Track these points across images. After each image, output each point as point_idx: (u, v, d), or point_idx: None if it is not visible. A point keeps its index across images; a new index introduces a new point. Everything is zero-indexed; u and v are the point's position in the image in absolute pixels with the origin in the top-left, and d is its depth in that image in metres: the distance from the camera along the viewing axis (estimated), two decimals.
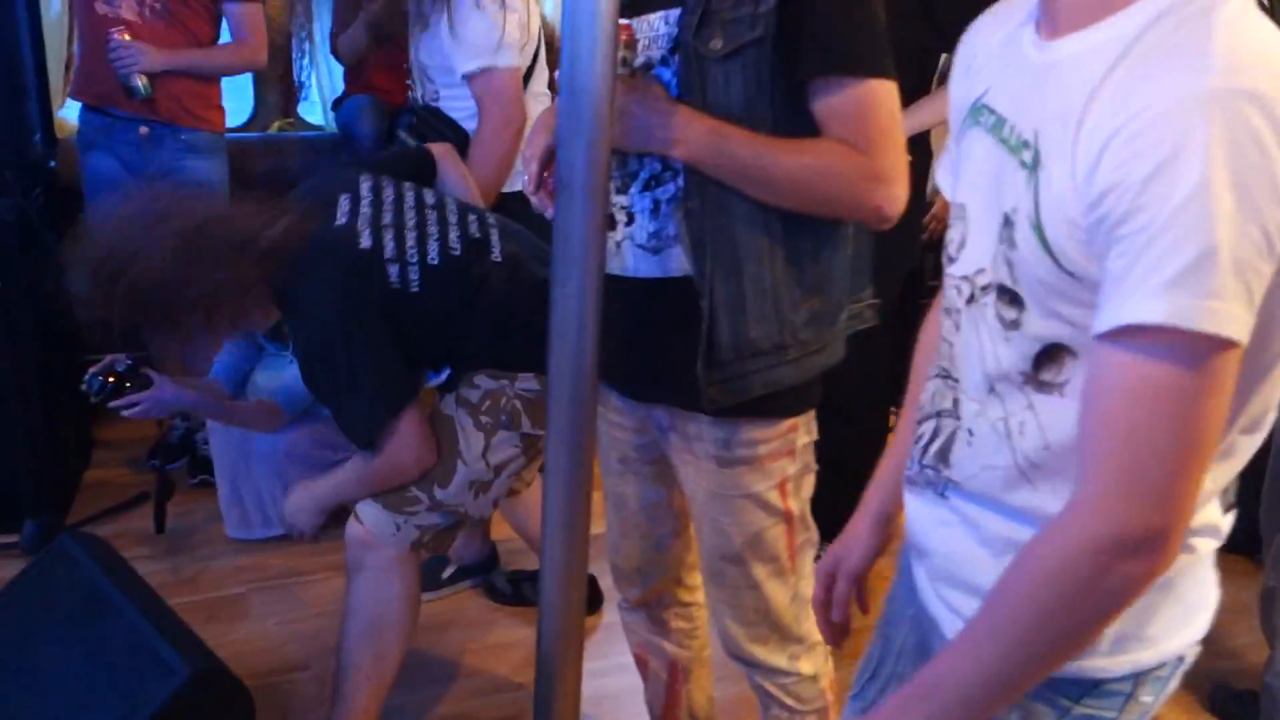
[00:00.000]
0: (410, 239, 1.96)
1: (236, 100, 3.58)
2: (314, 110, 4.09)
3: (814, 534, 1.65)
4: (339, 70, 3.74)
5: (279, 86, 3.89)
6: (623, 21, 1.32)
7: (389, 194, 2.04)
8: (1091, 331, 0.82)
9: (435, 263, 1.94)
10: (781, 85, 1.36)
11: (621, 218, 1.47)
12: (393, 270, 1.90)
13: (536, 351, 1.40)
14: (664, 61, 1.42)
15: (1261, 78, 0.76)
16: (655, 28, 1.43)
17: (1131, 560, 0.82)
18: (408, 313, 1.90)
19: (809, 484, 1.62)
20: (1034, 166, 0.88)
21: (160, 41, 2.96)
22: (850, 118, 1.35)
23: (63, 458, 3.16)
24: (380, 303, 1.88)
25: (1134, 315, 0.78)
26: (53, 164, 3.44)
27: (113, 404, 2.43)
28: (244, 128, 3.87)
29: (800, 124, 1.37)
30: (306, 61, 3.95)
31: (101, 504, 3.11)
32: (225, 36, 3.15)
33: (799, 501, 1.60)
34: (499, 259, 2.01)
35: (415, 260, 1.93)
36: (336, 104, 3.71)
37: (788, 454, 1.55)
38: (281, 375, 2.84)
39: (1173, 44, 0.81)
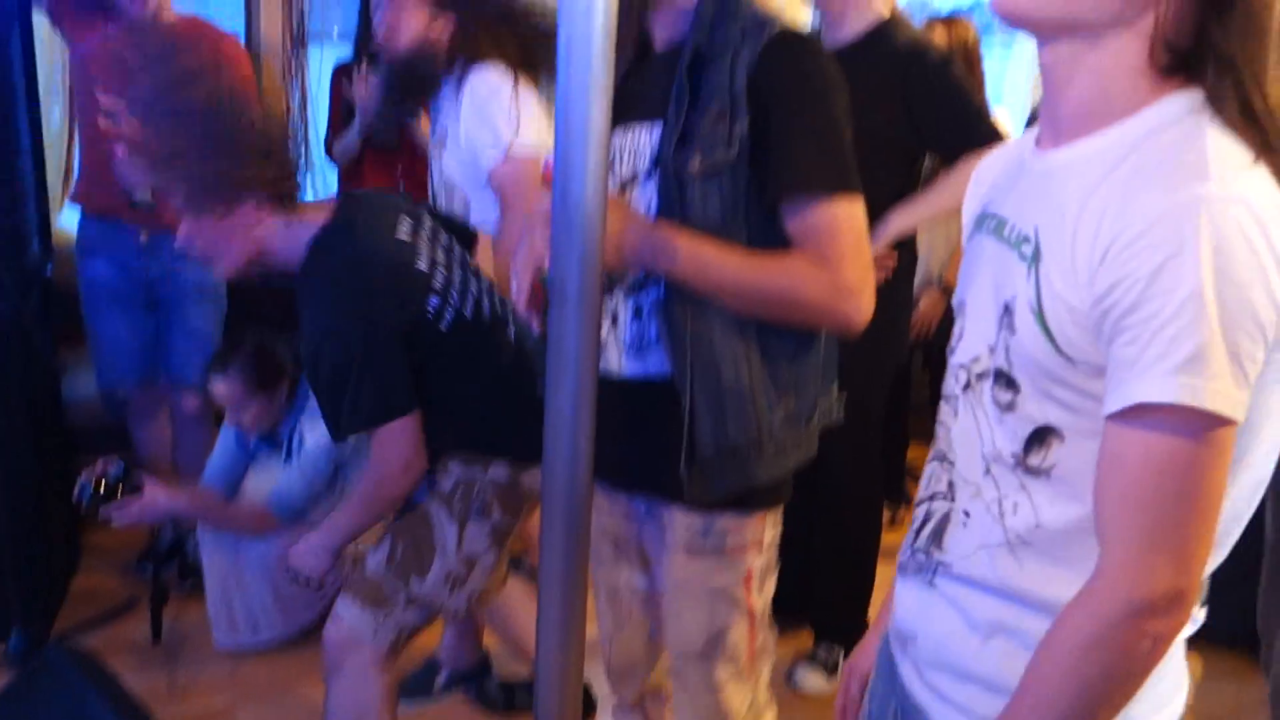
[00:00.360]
0: (456, 283, 2.06)
1: None
2: None
3: (771, 642, 1.72)
4: (333, 173, 3.81)
5: None
6: None
7: (444, 239, 2.15)
8: (1104, 411, 0.90)
9: (469, 316, 2.04)
10: (756, 202, 1.45)
11: (608, 320, 1.55)
12: (433, 301, 2.00)
13: (519, 440, 1.44)
14: (648, 174, 1.50)
15: (1245, 188, 0.87)
16: (639, 140, 1.52)
17: (1160, 619, 0.90)
18: (427, 347, 1.98)
19: (771, 584, 1.68)
20: (1034, 259, 0.97)
21: None
22: (817, 235, 1.44)
23: (51, 565, 3.13)
24: (411, 322, 1.96)
25: (1146, 395, 0.86)
26: (49, 272, 3.47)
27: (105, 511, 2.43)
28: None
29: (775, 237, 1.46)
30: (302, 164, 4.01)
31: (90, 612, 3.07)
32: None
33: (762, 599, 1.66)
34: (511, 340, 2.11)
35: (455, 303, 2.03)
36: None
37: (755, 547, 1.62)
38: (273, 480, 2.84)
39: (1170, 154, 0.90)
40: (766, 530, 1.63)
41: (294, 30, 3.81)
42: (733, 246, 1.45)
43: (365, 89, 3.33)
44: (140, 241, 3.10)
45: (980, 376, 1.04)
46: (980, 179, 1.19)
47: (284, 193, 2.00)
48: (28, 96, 3.21)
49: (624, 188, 1.54)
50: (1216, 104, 0.92)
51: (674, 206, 1.46)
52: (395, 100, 2.73)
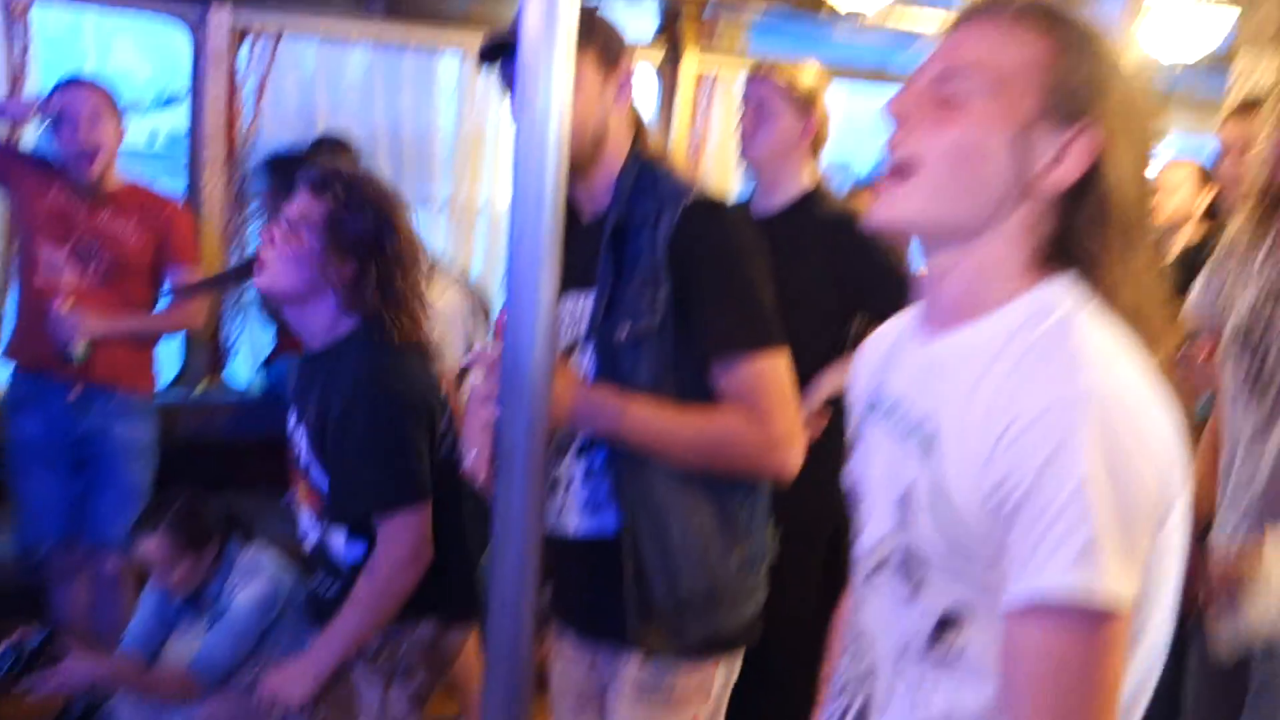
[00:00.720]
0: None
1: (164, 359, 3.61)
2: (238, 373, 4.13)
3: None
4: (268, 332, 3.82)
5: (207, 347, 3.93)
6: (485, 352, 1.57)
7: None
8: (1001, 608, 0.92)
9: (451, 449, 2.03)
10: (684, 363, 1.53)
11: (562, 483, 1.61)
12: (446, 417, 2.04)
13: (451, 597, 1.46)
14: (586, 340, 1.59)
15: (1118, 378, 0.92)
16: (576, 308, 1.61)
17: None
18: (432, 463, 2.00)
19: None
20: (929, 447, 1.00)
21: (101, 306, 3.01)
22: (744, 390, 1.52)
23: None
24: (432, 421, 2.00)
25: (1041, 593, 0.88)
26: None
27: (24, 681, 2.33)
28: (170, 387, 3.88)
29: (705, 393, 1.53)
30: (238, 322, 4.02)
31: None
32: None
33: None
34: (469, 497, 2.07)
35: (450, 429, 2.05)
36: (266, 362, 3.76)
37: (703, 695, 1.63)
38: (196, 644, 2.74)
39: (1041, 349, 0.95)
40: (718, 678, 1.64)
41: (235, 196, 3.88)
42: (666, 404, 1.51)
43: None
44: (71, 398, 3.06)
45: (880, 566, 1.07)
46: (866, 358, 1.22)
47: None
48: None
49: (567, 353, 1.61)
50: (1086, 291, 0.98)
51: (608, 371, 1.55)
52: None
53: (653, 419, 1.50)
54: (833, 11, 3.50)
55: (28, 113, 3.12)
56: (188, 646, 2.76)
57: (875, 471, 1.10)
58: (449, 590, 2.03)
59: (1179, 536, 0.94)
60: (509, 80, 1.48)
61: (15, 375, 3.16)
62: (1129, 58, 1.02)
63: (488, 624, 1.32)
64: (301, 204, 1.96)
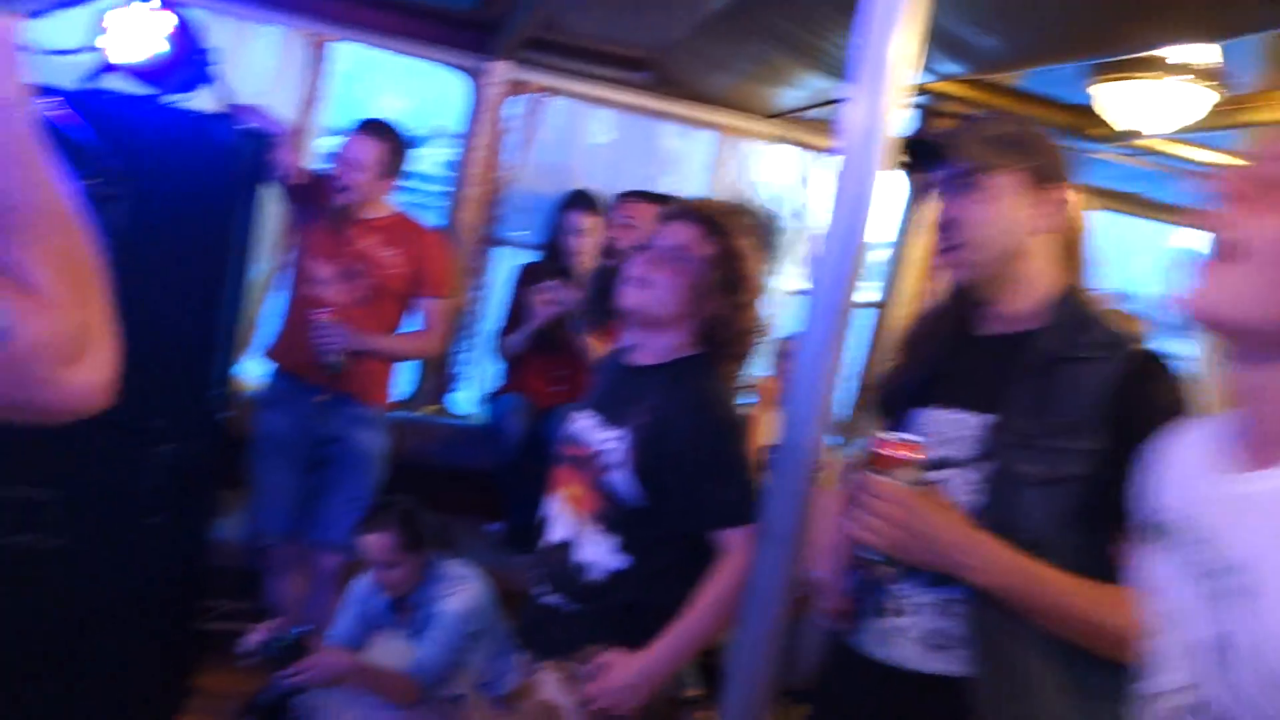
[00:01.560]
0: None
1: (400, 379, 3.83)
2: (463, 402, 4.32)
3: None
4: (494, 367, 4.00)
5: (435, 374, 4.15)
6: (909, 438, 1.42)
7: None
8: None
9: None
10: (1095, 525, 1.40)
11: (894, 607, 1.50)
12: None
13: None
14: (971, 466, 1.46)
15: None
16: (961, 427, 1.49)
17: None
18: None
19: None
20: (1246, 599, 0.89)
21: (359, 324, 3.25)
22: None
23: (159, 699, 3.18)
24: None
25: None
26: (223, 417, 3.67)
27: (283, 670, 2.51)
28: (401, 405, 4.11)
29: (1096, 561, 1.39)
30: (464, 357, 4.23)
31: None
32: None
33: None
34: None
35: None
36: (490, 398, 3.94)
37: None
38: (395, 649, 2.88)
39: None
40: None
41: (486, 232, 4.11)
42: (1053, 567, 1.38)
43: (545, 295, 3.56)
44: (316, 402, 3.29)
45: (1193, 710, 0.96)
46: (1158, 473, 1.10)
47: None
48: (242, 254, 3.50)
49: (932, 468, 1.48)
50: None
51: (1002, 507, 1.41)
52: (582, 309, 2.89)
53: (1047, 582, 1.37)
54: (1101, 135, 3.46)
55: (291, 133, 3.39)
56: (389, 648, 2.91)
57: (1168, 606, 1.01)
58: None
59: None
60: (922, 186, 1.43)
61: (274, 375, 3.42)
62: None
63: (726, 693, 1.36)
64: (682, 236, 2.06)
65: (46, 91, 2.75)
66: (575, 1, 3.59)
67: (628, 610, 1.99)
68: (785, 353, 3.55)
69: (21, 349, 0.93)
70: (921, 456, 1.41)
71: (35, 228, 0.97)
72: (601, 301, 2.78)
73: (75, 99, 2.79)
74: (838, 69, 3.34)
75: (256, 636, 2.58)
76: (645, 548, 1.99)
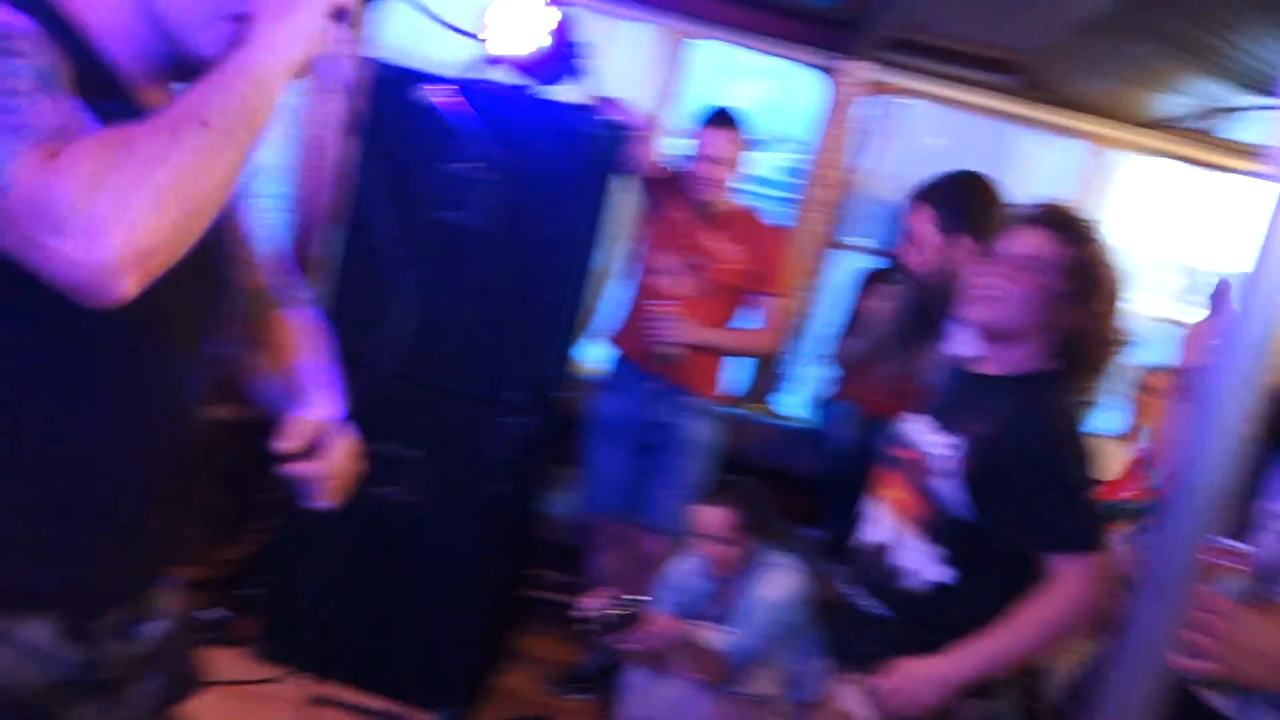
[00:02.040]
0: None
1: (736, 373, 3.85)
2: (790, 403, 4.30)
3: None
4: (827, 372, 3.94)
5: (766, 374, 4.15)
6: (1235, 546, 1.31)
7: None
8: None
9: None
10: None
11: None
12: None
13: None
14: None
15: None
16: None
17: None
18: None
19: None
20: None
21: (695, 317, 3.30)
22: None
23: (483, 656, 3.37)
24: None
25: None
26: (559, 395, 3.84)
27: (613, 637, 2.61)
28: (729, 401, 4.13)
29: None
30: (797, 357, 4.20)
31: (504, 713, 3.26)
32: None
33: None
34: None
35: None
36: (821, 403, 3.89)
37: None
38: (711, 629, 2.90)
39: None
40: None
41: (828, 234, 4.06)
42: None
43: (881, 303, 3.45)
44: (653, 389, 3.36)
45: None
46: None
47: None
48: (591, 241, 3.64)
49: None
50: None
51: None
52: (908, 322, 2.80)
53: None
54: None
55: (648, 127, 3.46)
56: (704, 631, 2.93)
57: None
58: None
59: None
60: None
61: (617, 361, 3.53)
62: None
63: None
64: (1034, 243, 1.95)
65: (438, 80, 2.97)
66: (944, 0, 3.45)
67: (946, 627, 1.90)
68: (1151, 385, 3.28)
69: (10, 203, 0.95)
70: (1247, 565, 1.29)
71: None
72: (929, 309, 2.66)
73: (461, 87, 2.99)
74: (1239, 74, 3.03)
75: (593, 602, 2.68)
76: (971, 563, 1.91)
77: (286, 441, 1.29)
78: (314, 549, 3.15)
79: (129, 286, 0.96)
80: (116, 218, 0.93)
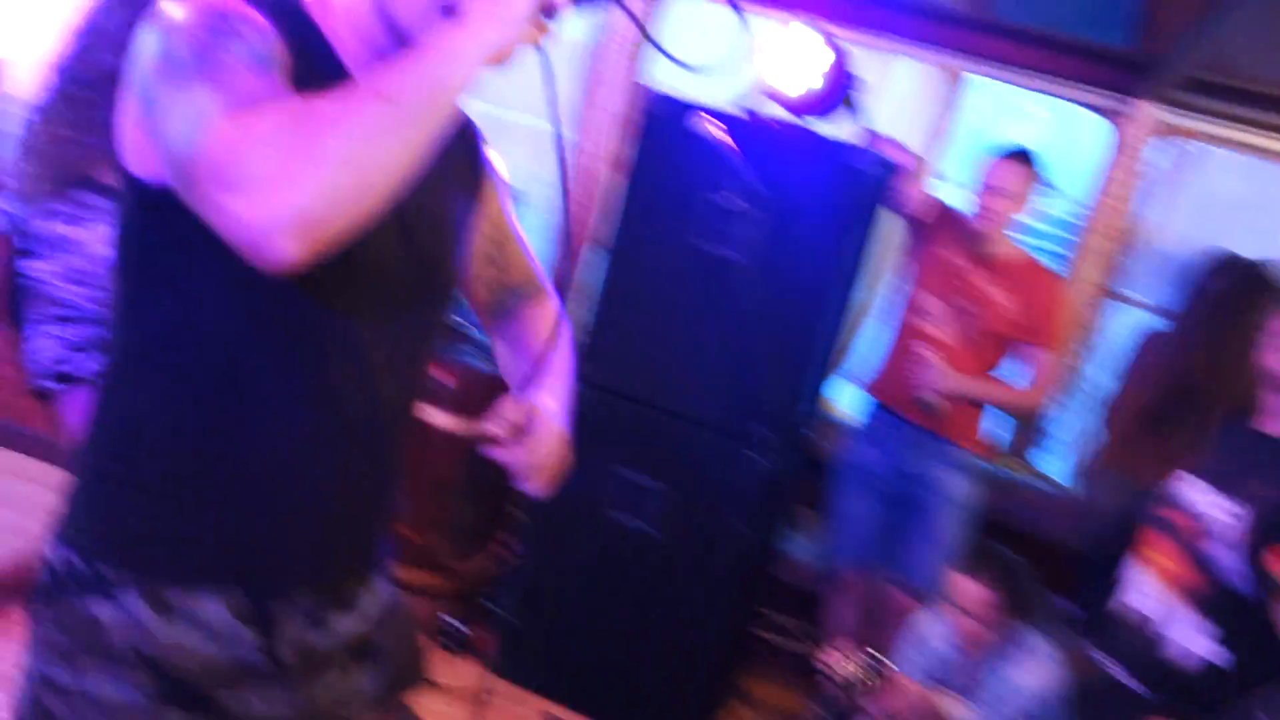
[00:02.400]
0: None
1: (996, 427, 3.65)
2: (1052, 465, 4.04)
3: None
4: (1097, 435, 3.67)
5: (1029, 430, 3.92)
6: None
7: None
8: None
9: None
10: None
11: None
12: None
13: None
14: None
15: None
16: None
17: None
18: None
19: None
20: None
21: (959, 364, 3.16)
22: None
23: (711, 692, 3.31)
24: None
25: None
26: (808, 433, 3.76)
27: (859, 694, 2.52)
28: (991, 455, 3.94)
29: None
30: (1060, 414, 3.95)
31: None
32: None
33: None
34: None
35: None
36: (1087, 468, 3.63)
37: None
38: (961, 714, 2.74)
39: None
40: None
41: (1107, 287, 3.81)
42: None
43: (1165, 366, 3.21)
44: (910, 438, 3.23)
45: None
46: None
47: None
48: (851, 279, 3.55)
49: None
50: None
51: None
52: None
53: None
54: None
55: (919, 164, 3.34)
56: (945, 702, 2.77)
57: None
58: None
59: None
60: None
61: (873, 406, 3.42)
62: None
63: None
64: None
65: (709, 112, 2.97)
66: (1258, 38, 3.17)
67: (1214, 714, 1.72)
68: None
69: (200, 164, 0.97)
70: None
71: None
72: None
73: (733, 122, 2.98)
74: None
75: (840, 658, 2.58)
76: (1249, 644, 1.73)
77: (494, 422, 1.26)
78: (555, 569, 3.20)
79: (296, 250, 0.96)
80: (285, 179, 0.95)
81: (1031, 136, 4.24)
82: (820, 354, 3.69)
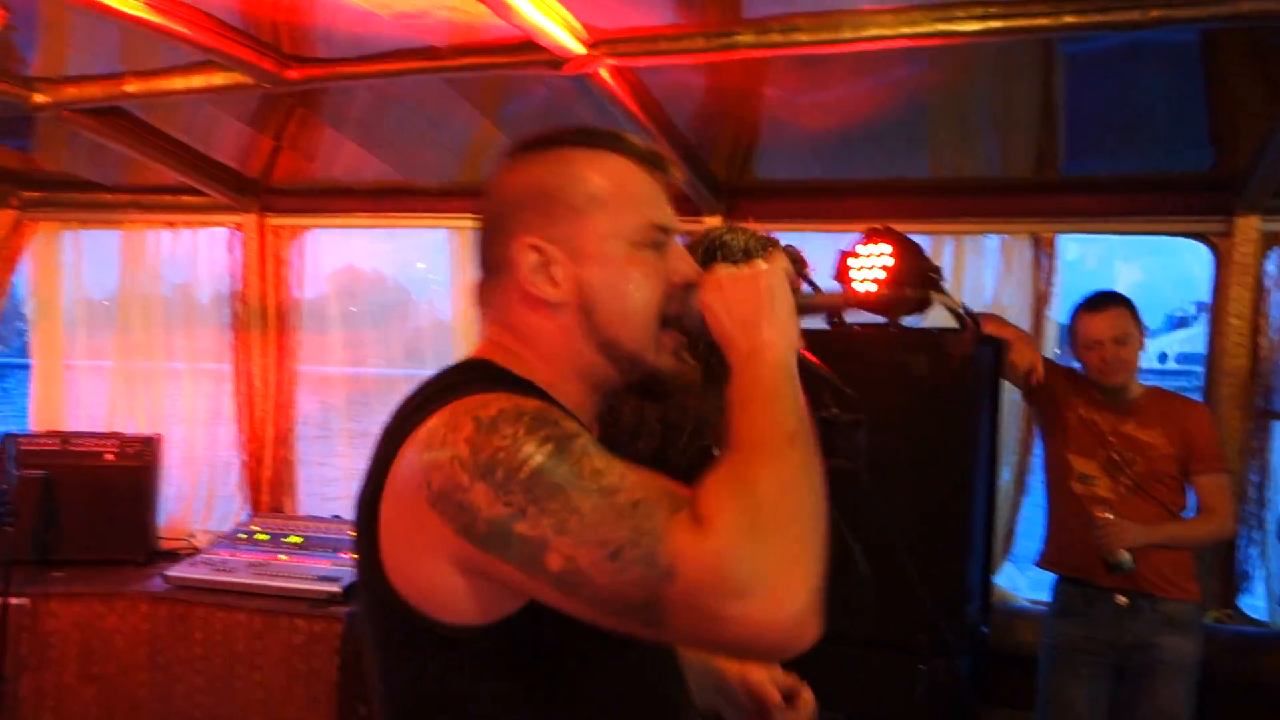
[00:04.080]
0: None
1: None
2: (1256, 605, 3.74)
3: None
4: None
5: (1224, 572, 3.65)
6: None
7: None
8: None
9: None
10: None
11: None
12: None
13: None
14: None
15: None
16: None
17: None
18: None
19: None
20: None
21: (1136, 514, 3.02)
22: None
23: None
24: None
25: None
26: (985, 629, 3.58)
27: None
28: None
29: None
30: (1254, 550, 3.67)
31: None
32: None
33: None
34: None
35: None
36: None
37: None
38: None
39: None
40: None
41: (1257, 406, 3.61)
42: None
43: None
44: (1118, 604, 3.07)
45: None
46: None
47: None
48: (989, 462, 3.45)
49: None
50: None
51: None
52: None
53: None
54: None
55: (1014, 335, 3.31)
56: None
57: None
58: None
59: None
60: None
61: (1057, 584, 3.26)
62: None
63: None
64: None
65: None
66: None
67: None
68: None
69: (682, 587, 0.90)
70: None
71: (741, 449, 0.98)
72: None
73: (818, 336, 3.03)
74: None
75: None
76: None
77: (769, 691, 1.32)
78: None
79: (817, 629, 0.92)
80: (793, 563, 0.91)
81: (1136, 277, 4.17)
82: (978, 545, 3.57)
